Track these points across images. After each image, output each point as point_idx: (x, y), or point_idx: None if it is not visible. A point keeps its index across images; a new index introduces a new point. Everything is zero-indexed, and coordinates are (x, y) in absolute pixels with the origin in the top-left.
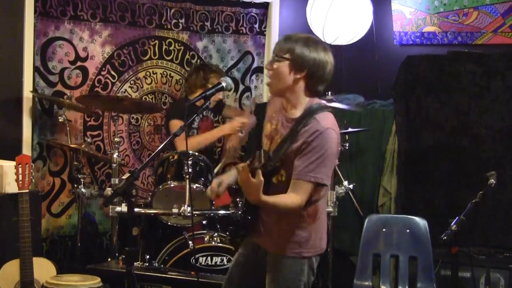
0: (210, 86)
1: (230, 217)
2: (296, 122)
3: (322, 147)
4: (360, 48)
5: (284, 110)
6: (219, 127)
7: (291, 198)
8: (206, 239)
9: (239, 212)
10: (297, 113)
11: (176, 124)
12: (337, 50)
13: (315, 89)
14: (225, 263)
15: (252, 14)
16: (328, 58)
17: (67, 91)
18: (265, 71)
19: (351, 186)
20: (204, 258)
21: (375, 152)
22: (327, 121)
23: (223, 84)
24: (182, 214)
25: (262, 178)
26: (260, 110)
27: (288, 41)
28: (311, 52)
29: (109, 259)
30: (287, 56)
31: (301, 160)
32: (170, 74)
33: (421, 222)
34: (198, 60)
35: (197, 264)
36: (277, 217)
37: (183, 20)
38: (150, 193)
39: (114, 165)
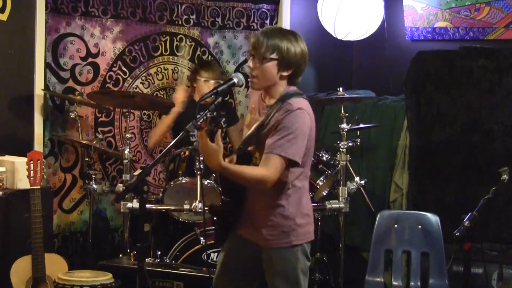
0: (200, 80)
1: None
2: (271, 108)
3: (292, 125)
4: (371, 43)
5: (262, 100)
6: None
7: (258, 169)
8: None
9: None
10: (274, 100)
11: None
12: (348, 45)
13: (296, 81)
14: None
15: (263, 10)
16: (306, 48)
17: (78, 87)
18: (248, 68)
19: (362, 182)
20: (216, 254)
21: (387, 148)
22: (299, 103)
23: (235, 80)
24: (193, 210)
25: (221, 143)
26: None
27: (270, 38)
28: (296, 48)
29: (120, 255)
30: (274, 56)
31: (272, 137)
32: (181, 70)
33: (433, 218)
34: (209, 56)
35: (208, 260)
36: (261, 209)
37: (194, 16)
38: (162, 189)
39: (125, 161)
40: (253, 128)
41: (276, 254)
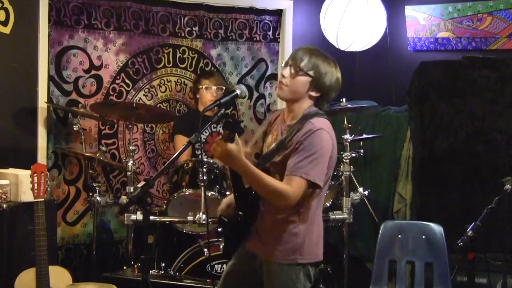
0: (202, 88)
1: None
2: (292, 127)
3: (314, 146)
4: (374, 54)
5: (283, 120)
6: None
7: (281, 183)
8: (221, 246)
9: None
10: (296, 120)
11: (180, 139)
12: (351, 56)
13: (322, 106)
14: None
15: (266, 21)
16: (340, 79)
17: (82, 100)
18: (279, 74)
19: (366, 192)
20: (220, 265)
21: (390, 159)
22: (320, 123)
23: (238, 91)
24: (197, 221)
25: (241, 144)
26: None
27: (312, 56)
28: (332, 75)
29: (124, 267)
30: (311, 73)
31: (293, 158)
32: (184, 82)
33: (436, 228)
34: (212, 68)
35: (212, 272)
36: (270, 223)
37: (196, 28)
38: (165, 201)
39: (129, 173)
40: (273, 145)
41: (277, 269)
